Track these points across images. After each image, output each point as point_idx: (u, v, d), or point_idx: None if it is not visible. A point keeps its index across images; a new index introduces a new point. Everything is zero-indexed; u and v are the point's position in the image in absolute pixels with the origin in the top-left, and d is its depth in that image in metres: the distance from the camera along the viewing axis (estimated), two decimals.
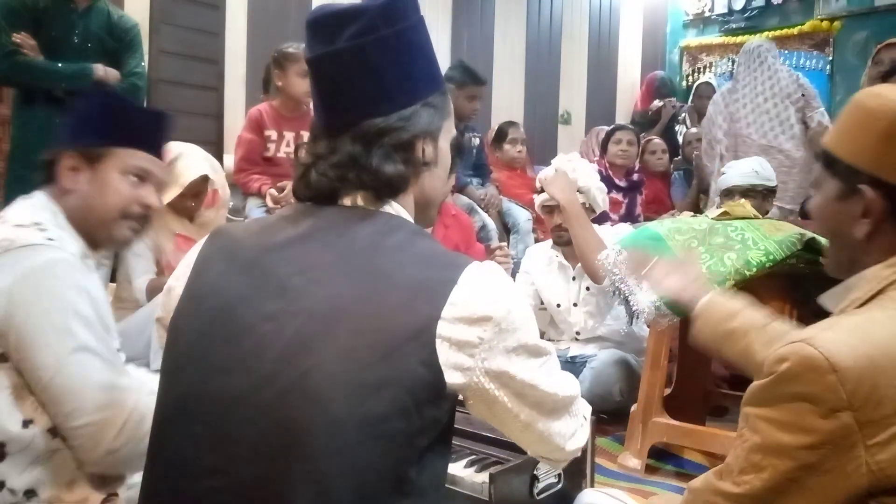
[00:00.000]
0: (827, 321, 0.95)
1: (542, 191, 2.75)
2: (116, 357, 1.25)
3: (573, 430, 0.98)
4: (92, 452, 1.17)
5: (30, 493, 1.18)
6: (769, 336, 1.28)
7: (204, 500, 0.83)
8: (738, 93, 3.93)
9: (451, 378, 0.82)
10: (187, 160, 2.49)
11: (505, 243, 3.19)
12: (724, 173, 3.08)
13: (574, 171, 2.72)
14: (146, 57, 3.22)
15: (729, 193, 2.90)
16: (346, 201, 0.92)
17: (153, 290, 2.35)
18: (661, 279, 1.64)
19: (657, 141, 4.69)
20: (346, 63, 0.90)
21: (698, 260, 2.01)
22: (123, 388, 1.20)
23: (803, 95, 3.76)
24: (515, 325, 0.85)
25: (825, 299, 1.11)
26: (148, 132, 1.41)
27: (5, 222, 1.25)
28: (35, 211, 1.28)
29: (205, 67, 3.71)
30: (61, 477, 1.20)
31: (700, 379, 2.50)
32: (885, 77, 2.98)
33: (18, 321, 1.15)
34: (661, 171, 4.63)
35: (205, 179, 2.50)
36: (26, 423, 1.17)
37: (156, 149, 1.41)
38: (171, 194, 2.44)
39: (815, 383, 0.86)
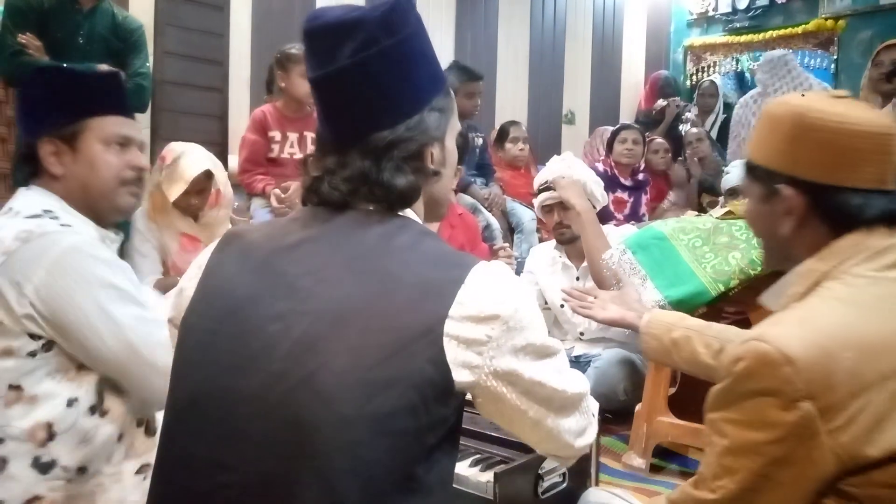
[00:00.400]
0: (773, 318, 0.98)
1: (541, 191, 2.75)
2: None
3: (582, 428, 0.99)
4: None
5: (82, 469, 1.22)
6: (708, 336, 1.32)
7: (214, 496, 0.83)
8: (769, 97, 4.05)
9: (460, 376, 0.82)
10: (189, 158, 2.51)
11: (507, 244, 3.19)
12: (728, 172, 3.08)
13: (570, 168, 2.72)
14: (151, 58, 3.23)
15: (733, 193, 2.90)
16: (361, 207, 0.92)
17: (160, 290, 2.36)
18: (603, 309, 1.80)
19: (659, 140, 4.70)
20: (350, 80, 0.89)
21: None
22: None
23: None
24: (523, 324, 0.85)
25: (766, 299, 1.15)
26: (109, 94, 1.39)
27: (17, 214, 1.26)
28: (41, 199, 1.29)
29: (209, 69, 3.72)
30: (104, 451, 1.25)
31: (704, 379, 2.49)
32: (888, 78, 2.97)
33: (61, 313, 1.18)
34: (662, 169, 4.63)
35: (208, 176, 2.52)
36: (70, 402, 1.21)
37: (122, 109, 1.39)
38: (176, 191, 2.46)
39: (771, 377, 0.89)
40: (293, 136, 3.30)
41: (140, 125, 1.50)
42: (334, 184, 0.91)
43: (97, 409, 1.24)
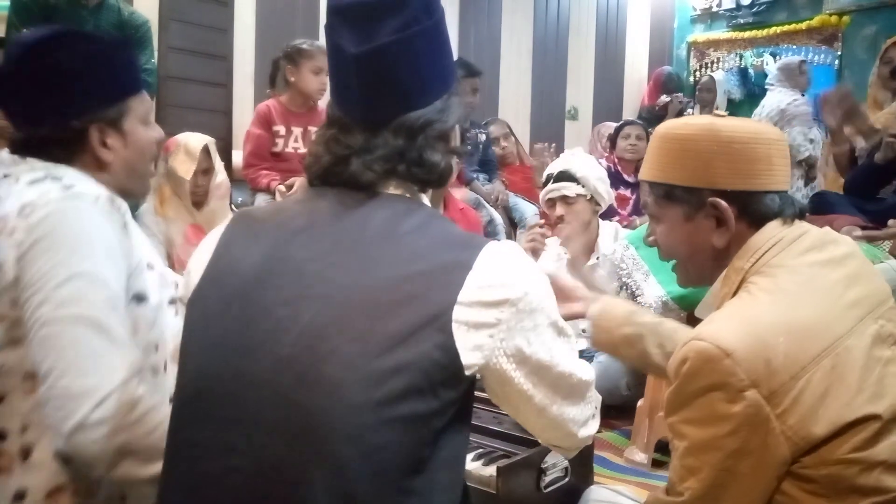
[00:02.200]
0: (707, 318, 1.02)
1: (547, 183, 2.73)
2: (125, 322, 1.10)
3: (586, 418, 0.99)
4: (61, 423, 1.01)
5: (52, 492, 1.11)
6: (661, 336, 1.35)
7: (223, 479, 0.84)
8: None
9: (469, 359, 0.82)
10: (191, 138, 2.63)
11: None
12: None
13: (573, 166, 2.65)
14: (155, 53, 3.24)
15: None
16: (387, 190, 0.91)
17: None
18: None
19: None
20: (393, 57, 0.88)
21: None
22: (114, 364, 1.04)
23: None
24: (533, 306, 0.85)
25: (700, 313, 1.19)
26: (138, 66, 1.30)
27: (18, 180, 1.14)
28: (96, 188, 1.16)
29: (213, 64, 3.73)
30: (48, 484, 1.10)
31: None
32: (893, 75, 2.96)
33: (25, 276, 1.05)
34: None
35: (207, 152, 2.60)
36: (25, 429, 1.10)
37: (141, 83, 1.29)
38: (187, 169, 2.54)
39: (714, 372, 0.93)
40: (297, 131, 3.31)
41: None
42: (367, 162, 0.89)
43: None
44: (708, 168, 1.10)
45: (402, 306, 0.81)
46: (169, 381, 1.18)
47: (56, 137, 1.17)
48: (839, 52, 5.39)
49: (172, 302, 1.25)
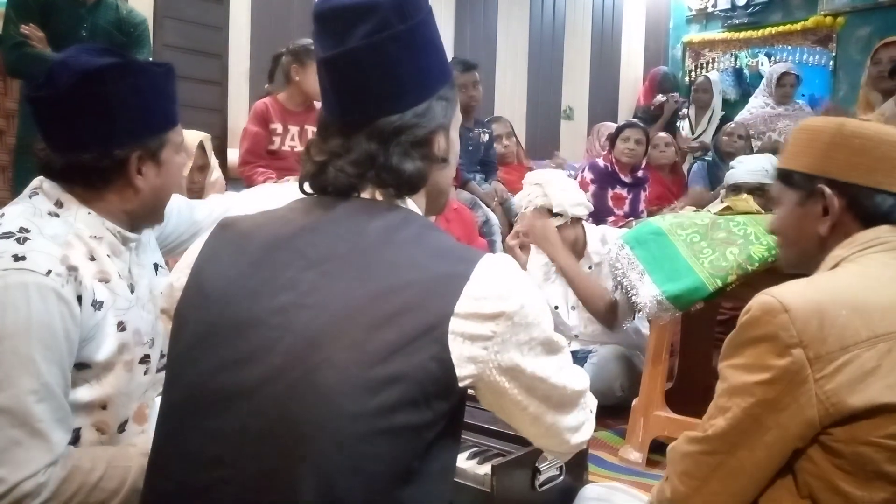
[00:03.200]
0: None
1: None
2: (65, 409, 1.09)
3: (580, 423, 0.99)
4: None
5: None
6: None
7: (211, 491, 0.83)
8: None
9: (463, 371, 0.82)
10: (186, 136, 2.59)
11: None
12: (733, 167, 3.07)
13: (545, 196, 2.59)
14: (151, 51, 3.23)
15: (736, 189, 2.89)
16: (365, 195, 0.91)
17: None
18: None
19: (661, 134, 4.65)
20: (362, 62, 0.89)
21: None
22: (29, 456, 1.02)
23: None
24: (528, 320, 0.85)
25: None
26: (176, 98, 1.28)
27: (3, 216, 1.14)
28: (29, 215, 1.14)
29: (208, 62, 3.73)
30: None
31: (701, 373, 2.51)
32: (890, 75, 2.98)
33: None
34: (664, 164, 4.59)
35: (202, 149, 2.60)
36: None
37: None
38: (186, 167, 2.53)
39: (769, 324, 0.98)
40: (294, 130, 3.31)
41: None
42: (340, 167, 0.90)
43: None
44: (826, 157, 1.15)
45: (397, 316, 0.81)
46: (124, 439, 1.20)
47: (96, 165, 1.16)
48: (834, 53, 5.40)
49: (144, 360, 1.22)
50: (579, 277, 2.52)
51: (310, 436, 0.79)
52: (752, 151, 4.54)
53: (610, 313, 2.46)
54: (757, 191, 2.77)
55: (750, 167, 2.92)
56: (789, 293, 1.00)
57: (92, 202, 1.19)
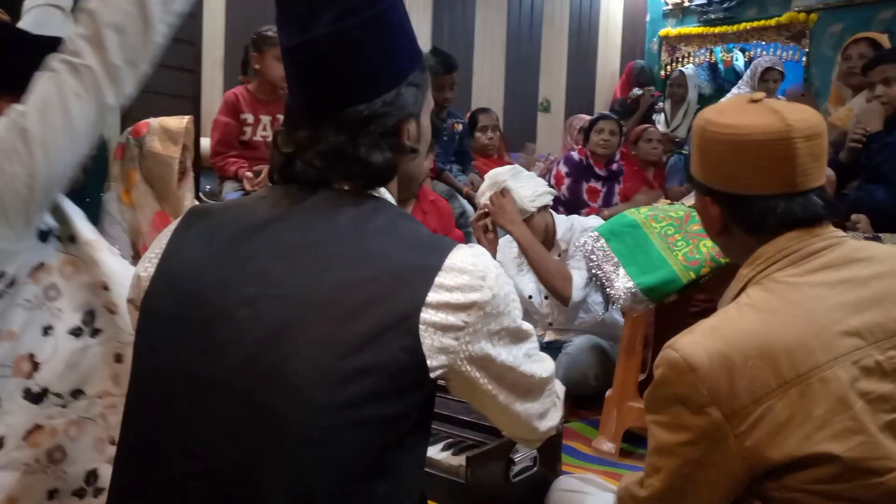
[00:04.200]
0: (693, 325, 1.03)
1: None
2: None
3: (546, 410, 1.00)
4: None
5: (76, 393, 1.21)
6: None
7: (179, 484, 0.82)
8: None
9: (434, 362, 0.81)
10: (166, 120, 2.55)
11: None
12: None
13: (498, 189, 2.60)
14: None
15: None
16: (336, 186, 0.90)
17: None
18: None
19: (653, 129, 4.61)
20: (327, 50, 0.86)
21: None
22: None
23: None
24: (499, 310, 0.85)
25: (720, 304, 1.18)
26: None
27: None
28: None
29: (181, 49, 3.65)
30: (100, 372, 1.23)
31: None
32: (864, 71, 3.02)
33: None
34: (654, 160, 4.55)
35: (187, 132, 2.57)
36: (46, 330, 1.19)
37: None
38: (176, 150, 2.49)
39: (679, 384, 0.95)
40: (266, 119, 3.27)
41: None
42: (307, 159, 0.88)
43: (83, 330, 1.23)
44: (701, 165, 1.11)
45: (368, 307, 0.80)
46: None
47: None
48: (807, 50, 5.47)
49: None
50: (535, 251, 2.55)
51: (280, 427, 0.78)
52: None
53: (566, 291, 2.50)
54: None
55: None
56: (695, 348, 0.95)
57: None
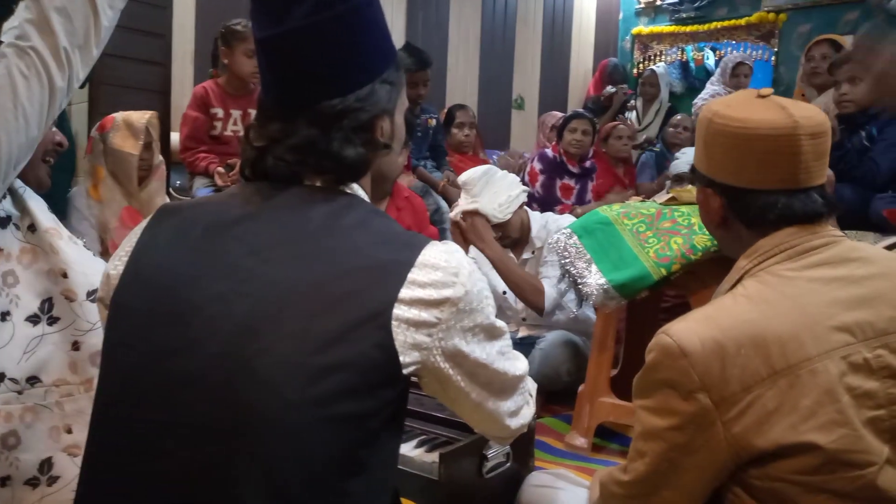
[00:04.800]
0: (687, 313, 1.04)
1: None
2: None
3: (518, 408, 1.00)
4: None
5: (32, 379, 1.21)
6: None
7: (150, 483, 0.81)
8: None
9: (407, 358, 0.81)
10: (129, 115, 2.55)
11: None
12: (678, 158, 3.15)
13: (473, 202, 2.61)
14: None
15: (679, 179, 2.95)
16: (308, 182, 0.89)
17: None
18: None
19: (623, 127, 4.65)
20: (301, 43, 0.86)
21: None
22: None
23: None
24: (472, 306, 0.85)
25: (715, 294, 1.19)
26: None
27: None
28: None
29: (151, 41, 3.59)
30: (56, 360, 1.22)
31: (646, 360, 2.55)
32: (830, 70, 3.07)
33: None
34: (624, 157, 4.59)
35: (151, 127, 2.53)
36: (3, 317, 1.19)
37: None
38: (132, 145, 2.47)
39: (671, 369, 0.96)
40: (236, 114, 3.23)
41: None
42: (279, 154, 0.87)
43: (40, 318, 1.22)
44: (703, 155, 1.12)
45: (340, 303, 0.79)
46: None
47: None
48: (776, 49, 5.55)
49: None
50: (508, 269, 2.58)
51: (251, 424, 0.77)
52: (664, 144, 4.65)
53: (539, 303, 2.54)
54: None
55: (690, 158, 2.99)
56: (689, 334, 0.96)
57: None
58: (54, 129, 1.35)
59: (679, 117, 4.72)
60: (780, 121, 1.03)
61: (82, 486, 0.87)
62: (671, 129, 4.63)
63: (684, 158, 3.08)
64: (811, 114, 1.05)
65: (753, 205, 1.06)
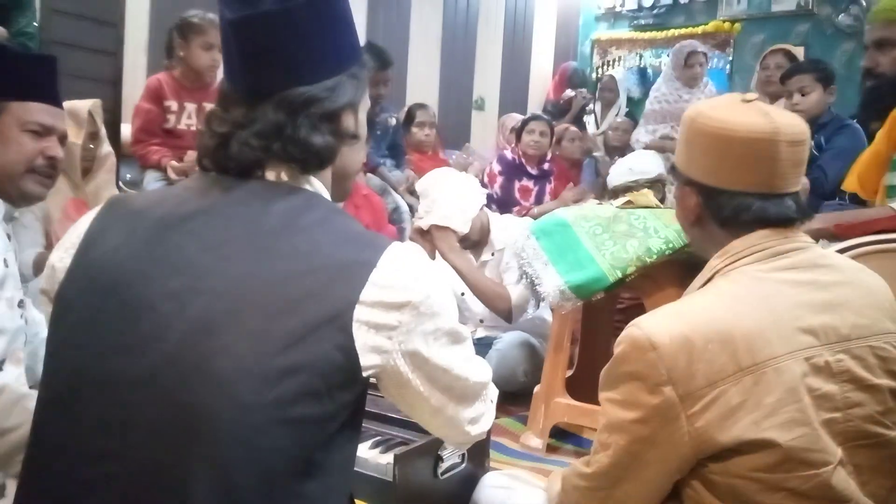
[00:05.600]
0: (657, 308, 1.06)
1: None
2: None
3: (479, 415, 0.99)
4: None
5: None
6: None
7: (96, 487, 0.78)
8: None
9: (367, 361, 0.80)
10: (72, 104, 2.45)
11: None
12: (610, 171, 3.25)
13: (429, 212, 2.60)
14: (38, 16, 3.00)
15: (614, 193, 3.02)
16: (270, 175, 0.87)
17: (40, 265, 2.21)
18: None
19: (574, 129, 4.73)
20: (273, 27, 0.84)
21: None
22: None
23: None
24: (434, 310, 0.84)
25: (686, 291, 1.21)
26: (40, 81, 1.33)
27: None
28: None
29: (102, 30, 3.49)
30: None
31: (601, 361, 2.55)
32: (782, 80, 3.16)
33: None
34: (577, 158, 4.66)
35: (93, 116, 2.47)
36: None
37: (52, 97, 1.34)
38: (76, 134, 2.40)
39: (639, 361, 0.97)
40: (191, 107, 3.16)
41: (65, 114, 1.43)
42: (244, 139, 0.85)
43: None
44: (684, 154, 1.13)
45: (299, 304, 0.77)
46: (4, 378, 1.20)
47: None
48: (731, 58, 5.68)
49: (20, 304, 1.25)
50: (472, 276, 2.60)
51: (204, 427, 0.75)
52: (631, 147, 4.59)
53: (505, 310, 2.58)
54: (631, 189, 2.88)
55: (617, 170, 3.17)
56: (659, 328, 0.98)
57: None
58: (54, 140, 1.33)
59: (619, 120, 4.91)
60: (761, 125, 1.05)
61: (21, 489, 0.83)
62: (611, 131, 4.79)
63: (613, 171, 3.21)
64: (793, 122, 1.07)
65: (728, 205, 1.07)
